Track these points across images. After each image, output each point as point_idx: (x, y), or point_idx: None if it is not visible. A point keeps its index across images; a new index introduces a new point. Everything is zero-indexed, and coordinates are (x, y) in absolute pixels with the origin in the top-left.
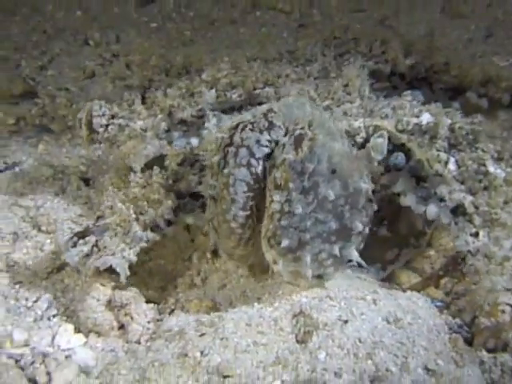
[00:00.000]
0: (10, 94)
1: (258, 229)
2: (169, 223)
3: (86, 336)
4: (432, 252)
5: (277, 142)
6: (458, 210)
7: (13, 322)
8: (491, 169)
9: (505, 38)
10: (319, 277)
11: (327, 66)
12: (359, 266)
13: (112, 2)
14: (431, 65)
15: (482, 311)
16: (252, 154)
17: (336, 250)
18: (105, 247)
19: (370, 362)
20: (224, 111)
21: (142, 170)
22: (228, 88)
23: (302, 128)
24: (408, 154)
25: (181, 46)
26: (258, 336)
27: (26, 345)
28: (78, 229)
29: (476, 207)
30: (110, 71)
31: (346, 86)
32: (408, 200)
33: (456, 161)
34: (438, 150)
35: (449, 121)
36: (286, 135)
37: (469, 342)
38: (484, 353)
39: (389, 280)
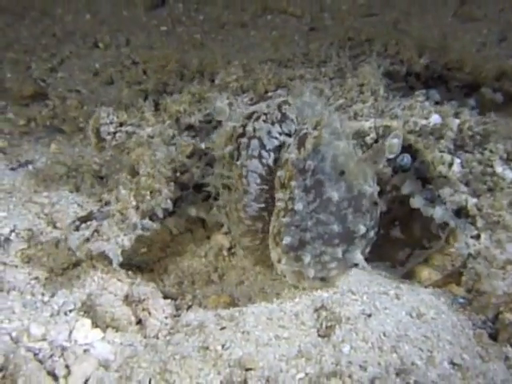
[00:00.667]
0: (20, 95)
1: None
2: (169, 213)
3: (104, 331)
4: (453, 249)
5: (288, 135)
6: (461, 212)
7: (29, 317)
8: (499, 169)
9: None
10: (322, 279)
11: (343, 67)
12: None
13: (121, 6)
14: (445, 63)
15: (506, 307)
16: (263, 146)
17: (339, 252)
18: (103, 233)
19: (395, 355)
20: None
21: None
22: (239, 92)
23: (308, 128)
24: (415, 155)
25: (192, 50)
26: (280, 330)
27: (44, 339)
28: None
29: (479, 209)
30: (127, 76)
31: (361, 85)
32: (416, 202)
33: (461, 162)
34: (442, 152)
35: (457, 121)
36: (295, 133)
37: (493, 338)
38: (509, 348)
39: (409, 277)
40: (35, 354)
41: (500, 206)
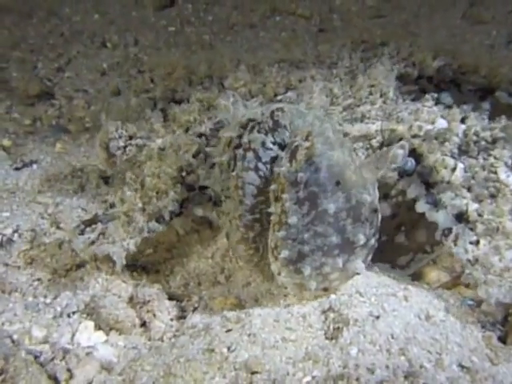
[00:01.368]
0: (26, 94)
1: (265, 234)
2: (175, 214)
3: (107, 333)
4: None
5: (281, 145)
6: (461, 217)
7: (31, 319)
8: (502, 176)
9: None
10: (325, 289)
11: (354, 69)
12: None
13: (130, 6)
14: (459, 66)
15: None
16: (259, 158)
17: (340, 263)
18: (108, 236)
19: (403, 357)
20: None
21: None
22: (248, 97)
23: (299, 140)
24: (419, 159)
25: (200, 51)
26: (287, 332)
27: (45, 342)
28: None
29: (480, 215)
30: (134, 85)
31: (372, 86)
32: (421, 206)
33: (464, 167)
34: (445, 156)
35: (462, 127)
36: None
37: (503, 340)
38: None
39: (418, 279)
40: (36, 357)
41: (501, 213)
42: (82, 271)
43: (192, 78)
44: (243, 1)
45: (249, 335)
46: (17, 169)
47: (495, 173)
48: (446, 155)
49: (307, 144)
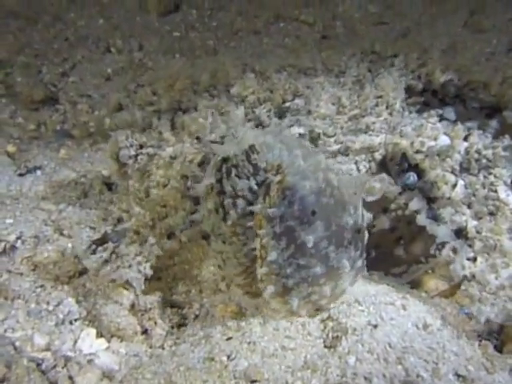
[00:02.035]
0: (30, 100)
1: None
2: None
3: (109, 341)
4: None
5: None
6: (460, 233)
7: (33, 326)
8: (502, 195)
9: None
10: (317, 310)
11: (361, 79)
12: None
13: (134, 11)
14: (467, 82)
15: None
16: (250, 203)
17: (327, 291)
18: (122, 256)
19: (400, 367)
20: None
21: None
22: (256, 104)
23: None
24: (421, 174)
25: (204, 56)
26: (286, 340)
27: (47, 349)
28: (96, 236)
29: (478, 232)
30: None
31: (379, 97)
32: (422, 219)
33: (465, 184)
34: (446, 172)
35: (465, 144)
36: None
37: (499, 350)
38: None
39: (416, 287)
40: (38, 365)
41: (499, 231)
42: (85, 278)
43: (196, 88)
44: (247, 7)
45: (248, 343)
46: (21, 175)
47: (495, 191)
48: (447, 171)
49: (278, 178)
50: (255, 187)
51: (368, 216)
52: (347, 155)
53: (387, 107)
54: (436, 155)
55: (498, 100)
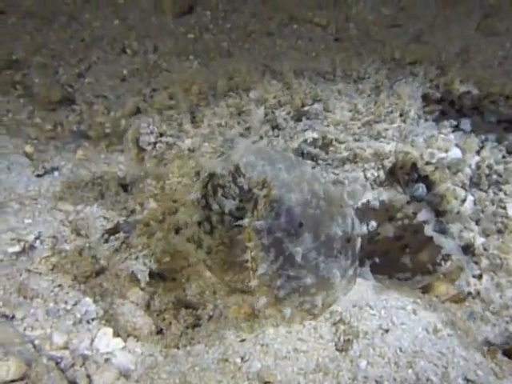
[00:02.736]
0: (47, 100)
1: None
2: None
3: (125, 340)
4: None
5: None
6: (467, 250)
7: (52, 325)
8: (511, 212)
9: None
10: (313, 315)
11: (380, 85)
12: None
13: (149, 12)
14: (487, 94)
15: None
16: (238, 219)
17: (319, 301)
18: (130, 247)
19: (410, 370)
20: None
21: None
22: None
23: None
24: (430, 186)
25: (218, 57)
26: (298, 343)
27: (66, 347)
28: (109, 225)
29: (485, 249)
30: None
31: (395, 104)
32: (430, 230)
33: (474, 200)
34: (456, 186)
35: (477, 158)
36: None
37: (507, 355)
38: None
39: (428, 291)
40: (57, 363)
41: (507, 249)
42: (102, 278)
43: (214, 92)
44: (261, 9)
45: (262, 345)
46: (39, 175)
47: (504, 208)
48: (457, 185)
49: (264, 192)
50: (241, 205)
51: (372, 224)
52: (356, 162)
53: (401, 114)
54: (446, 168)
55: None
